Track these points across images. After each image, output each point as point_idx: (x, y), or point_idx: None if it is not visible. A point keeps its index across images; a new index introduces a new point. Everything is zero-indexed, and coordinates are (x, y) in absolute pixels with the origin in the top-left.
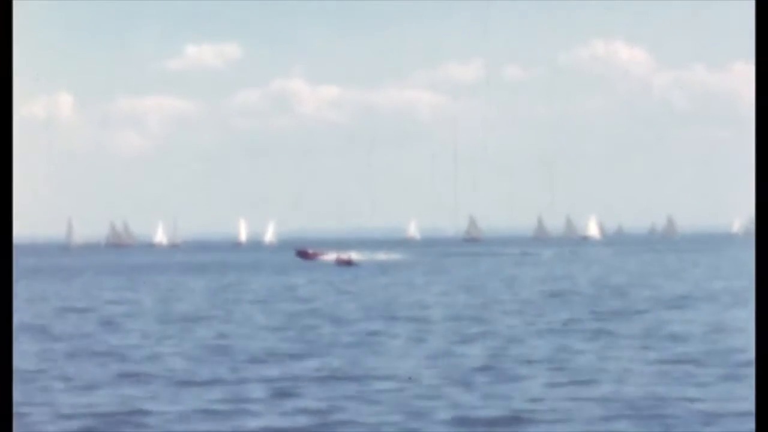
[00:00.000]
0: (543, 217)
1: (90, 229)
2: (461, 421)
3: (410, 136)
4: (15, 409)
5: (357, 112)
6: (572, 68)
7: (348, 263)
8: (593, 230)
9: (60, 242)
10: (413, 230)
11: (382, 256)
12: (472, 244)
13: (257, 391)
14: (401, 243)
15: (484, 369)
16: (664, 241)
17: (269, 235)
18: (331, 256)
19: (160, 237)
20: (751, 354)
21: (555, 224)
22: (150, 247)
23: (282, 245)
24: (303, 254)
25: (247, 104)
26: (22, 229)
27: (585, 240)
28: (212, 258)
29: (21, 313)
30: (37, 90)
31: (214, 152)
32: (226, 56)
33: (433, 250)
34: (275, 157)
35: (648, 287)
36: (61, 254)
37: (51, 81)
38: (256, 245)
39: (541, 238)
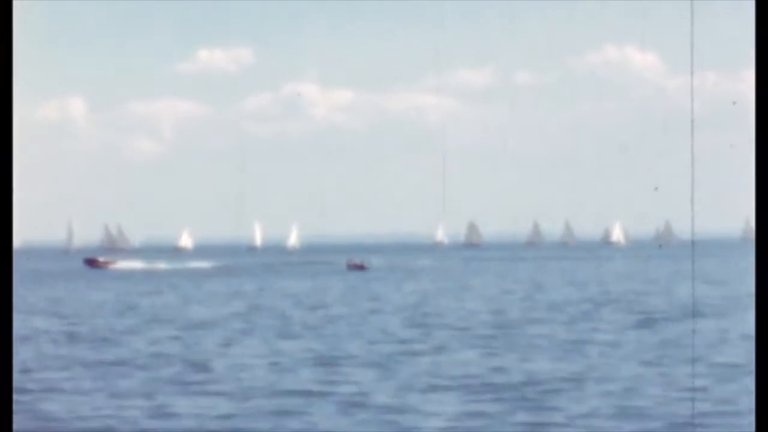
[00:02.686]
0: (543, 223)
1: (97, 233)
2: None
3: (421, 140)
4: None
5: (369, 116)
6: (584, 73)
7: (360, 267)
8: (617, 236)
9: (58, 247)
10: (441, 235)
11: (195, 264)
12: (470, 249)
13: None
14: (430, 248)
15: None
16: (660, 247)
17: (293, 240)
18: (122, 265)
19: (185, 241)
20: None
21: (564, 230)
22: (175, 251)
23: (306, 250)
24: (91, 262)
25: (259, 108)
26: (27, 234)
27: (608, 245)
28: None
29: None
30: (47, 94)
31: (226, 156)
32: (239, 60)
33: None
34: (289, 161)
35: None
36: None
37: (62, 85)
38: (273, 250)
39: (535, 243)
